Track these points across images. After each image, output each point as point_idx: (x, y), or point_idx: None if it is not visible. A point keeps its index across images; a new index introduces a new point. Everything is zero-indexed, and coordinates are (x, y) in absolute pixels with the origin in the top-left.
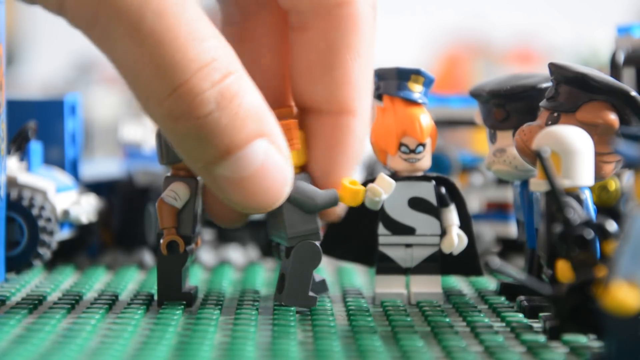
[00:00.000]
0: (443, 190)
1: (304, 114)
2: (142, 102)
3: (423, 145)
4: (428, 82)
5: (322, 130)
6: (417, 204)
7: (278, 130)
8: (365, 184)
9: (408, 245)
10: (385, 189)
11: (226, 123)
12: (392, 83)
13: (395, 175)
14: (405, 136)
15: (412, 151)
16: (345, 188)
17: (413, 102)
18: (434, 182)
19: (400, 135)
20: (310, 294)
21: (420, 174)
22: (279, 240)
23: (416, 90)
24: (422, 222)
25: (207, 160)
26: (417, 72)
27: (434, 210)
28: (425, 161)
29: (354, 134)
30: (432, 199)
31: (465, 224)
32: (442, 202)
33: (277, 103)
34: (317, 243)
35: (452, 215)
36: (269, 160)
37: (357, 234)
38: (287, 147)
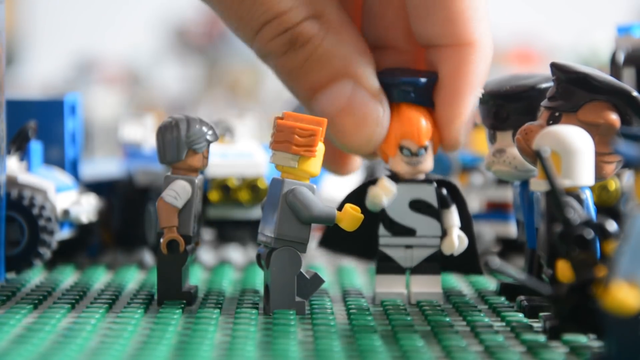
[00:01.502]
0: (444, 191)
1: (425, 52)
2: (245, 43)
3: (424, 148)
4: (429, 85)
5: (443, 63)
6: (418, 205)
7: (369, 72)
8: (365, 186)
9: (408, 246)
10: (386, 194)
11: (305, 62)
12: (393, 91)
13: (396, 177)
14: (405, 139)
15: (414, 154)
16: (346, 211)
17: (415, 105)
18: (435, 185)
19: (399, 138)
20: (297, 299)
21: (422, 176)
22: (264, 240)
23: (414, 92)
24: (423, 224)
25: (303, 97)
26: (413, 83)
27: (435, 212)
28: (427, 164)
29: (475, 64)
30: (433, 201)
31: (466, 225)
32: (443, 204)
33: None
34: (298, 252)
35: (452, 216)
36: (356, 100)
37: (358, 229)
38: (378, 91)
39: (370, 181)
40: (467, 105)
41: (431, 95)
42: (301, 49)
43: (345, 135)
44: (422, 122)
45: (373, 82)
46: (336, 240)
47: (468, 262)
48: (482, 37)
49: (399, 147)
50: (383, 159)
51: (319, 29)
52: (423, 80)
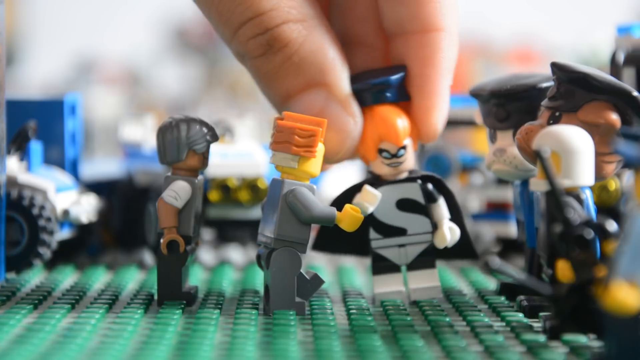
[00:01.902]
0: (430, 187)
1: (393, 42)
2: (224, 42)
3: (404, 147)
4: (399, 83)
5: (412, 51)
6: (405, 205)
7: (344, 83)
8: (352, 190)
9: (401, 245)
10: (370, 202)
11: (280, 66)
12: (366, 95)
13: (379, 179)
14: (383, 142)
15: (394, 155)
16: (346, 211)
17: (386, 103)
18: (419, 182)
19: (377, 141)
20: (297, 299)
21: (404, 175)
22: (264, 240)
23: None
24: (413, 222)
25: (276, 101)
26: (385, 82)
27: (423, 209)
28: (408, 162)
29: (443, 49)
30: (420, 198)
31: (456, 215)
32: (430, 199)
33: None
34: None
35: (441, 209)
36: (328, 110)
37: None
38: (350, 101)
39: (358, 186)
40: (442, 94)
41: (404, 89)
42: (279, 52)
43: None
44: (399, 122)
45: (346, 92)
46: (329, 241)
47: (462, 248)
48: (451, 24)
49: (378, 150)
50: (365, 163)
51: (298, 34)
52: (395, 77)
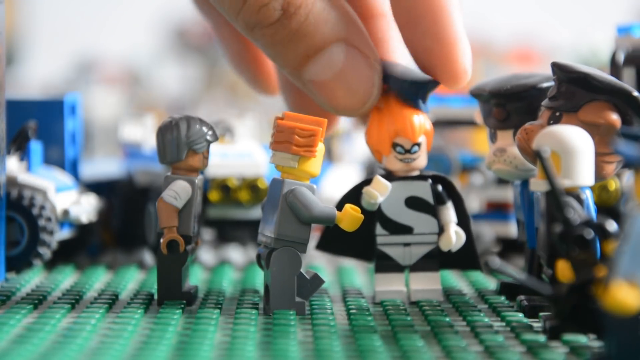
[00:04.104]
0: (440, 188)
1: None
2: (227, 17)
3: (418, 144)
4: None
5: (414, 9)
6: (414, 203)
7: (360, 34)
8: (362, 185)
9: (406, 244)
10: (381, 192)
11: (297, 28)
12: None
13: (391, 175)
14: (398, 136)
15: (408, 151)
16: (346, 211)
17: (408, 104)
18: (430, 181)
19: (392, 136)
20: (297, 299)
21: (416, 173)
22: (264, 240)
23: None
24: (420, 221)
25: (292, 66)
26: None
27: (431, 209)
28: (421, 160)
29: (448, 8)
30: (429, 197)
31: (463, 221)
32: (439, 200)
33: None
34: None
35: (449, 212)
36: (350, 62)
37: (355, 230)
38: (373, 52)
39: (366, 181)
40: (460, 31)
41: (426, 101)
42: (294, 15)
43: (340, 100)
44: (415, 119)
45: (365, 41)
46: (334, 242)
47: (467, 259)
48: None
49: (392, 145)
50: (377, 159)
51: None
52: (431, 84)
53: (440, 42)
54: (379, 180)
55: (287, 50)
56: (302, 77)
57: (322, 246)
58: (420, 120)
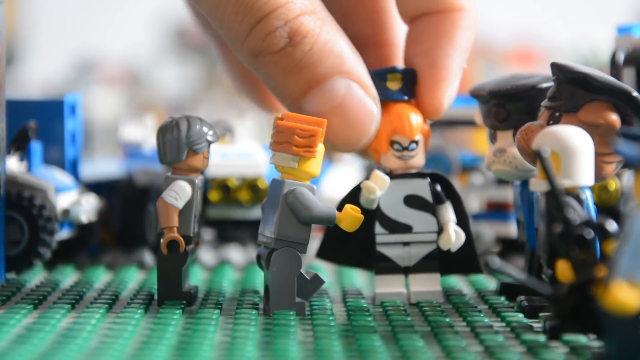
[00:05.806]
0: (438, 187)
1: (411, 25)
2: (230, 44)
3: (415, 142)
4: (407, 76)
5: (429, 27)
6: (412, 201)
7: (362, 69)
8: (358, 189)
9: (406, 244)
10: (380, 186)
11: (301, 58)
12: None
13: (389, 174)
14: (396, 134)
15: (405, 148)
16: (346, 211)
17: (397, 101)
18: (428, 179)
19: (390, 134)
20: (297, 300)
21: (414, 171)
22: (264, 240)
23: (395, 87)
24: (419, 220)
25: (293, 96)
26: (391, 71)
27: (430, 207)
28: (418, 158)
29: (462, 28)
30: (428, 196)
31: (463, 221)
32: (438, 199)
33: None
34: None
35: (448, 211)
36: (351, 96)
37: (355, 237)
38: (371, 86)
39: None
40: (454, 70)
41: (414, 87)
42: (299, 44)
43: (338, 134)
44: (412, 116)
45: (367, 78)
46: (334, 250)
47: (467, 262)
48: (471, 4)
49: (390, 143)
50: (375, 159)
51: (314, 24)
52: (409, 70)
53: (432, 68)
54: (378, 174)
55: (289, 79)
56: (301, 108)
57: (321, 254)
58: (418, 119)
